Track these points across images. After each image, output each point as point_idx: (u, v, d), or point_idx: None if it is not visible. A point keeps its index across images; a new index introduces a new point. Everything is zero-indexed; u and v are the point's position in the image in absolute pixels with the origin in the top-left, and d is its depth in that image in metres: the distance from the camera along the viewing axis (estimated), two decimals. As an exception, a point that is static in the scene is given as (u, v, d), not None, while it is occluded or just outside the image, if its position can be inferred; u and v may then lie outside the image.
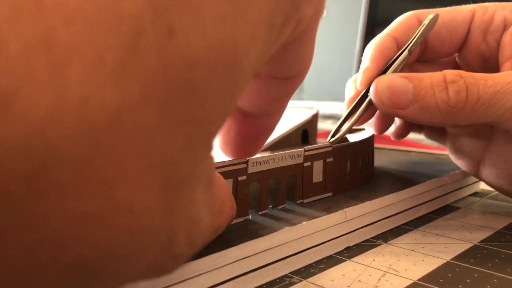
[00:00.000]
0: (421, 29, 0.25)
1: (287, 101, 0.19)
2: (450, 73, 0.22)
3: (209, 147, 0.12)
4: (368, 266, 0.22)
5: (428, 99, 0.22)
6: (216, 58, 0.10)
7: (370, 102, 0.25)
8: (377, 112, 0.28)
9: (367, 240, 0.26)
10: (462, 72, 0.23)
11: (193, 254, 0.13)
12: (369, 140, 0.31)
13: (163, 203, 0.10)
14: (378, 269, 0.22)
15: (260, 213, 0.23)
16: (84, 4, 0.08)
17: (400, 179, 0.31)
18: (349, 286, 0.20)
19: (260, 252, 0.20)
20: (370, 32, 0.78)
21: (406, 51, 0.25)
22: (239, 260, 0.19)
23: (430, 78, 0.22)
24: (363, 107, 0.25)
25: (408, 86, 0.23)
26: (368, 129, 0.33)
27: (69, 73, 0.08)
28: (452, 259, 0.23)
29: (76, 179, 0.09)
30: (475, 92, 0.22)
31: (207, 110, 0.11)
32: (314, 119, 0.44)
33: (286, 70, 0.17)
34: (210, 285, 0.18)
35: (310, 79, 0.19)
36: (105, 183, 0.09)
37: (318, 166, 0.26)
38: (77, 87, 0.08)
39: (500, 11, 0.26)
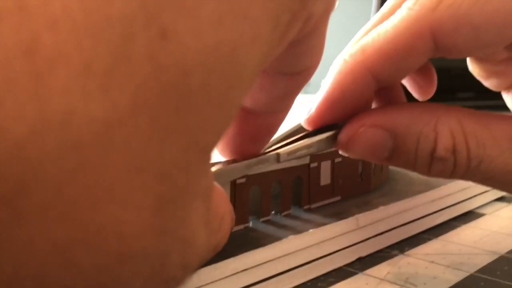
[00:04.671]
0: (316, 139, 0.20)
1: (293, 99, 0.19)
2: (442, 146, 0.19)
3: (207, 159, 0.12)
4: (382, 279, 0.22)
5: (405, 164, 0.20)
6: (213, 62, 0.10)
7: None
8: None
9: (381, 250, 0.25)
10: (459, 143, 0.19)
11: (188, 276, 0.13)
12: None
13: (155, 223, 0.10)
14: (394, 283, 0.22)
15: (261, 220, 0.23)
16: (71, 6, 0.08)
17: (418, 182, 0.31)
18: (361, 302, 0.20)
19: (261, 263, 0.20)
20: (383, 19, 0.78)
21: (274, 153, 0.19)
22: (238, 272, 0.19)
23: (417, 142, 0.19)
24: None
25: (387, 144, 0.20)
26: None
27: (53, 84, 0.08)
28: (476, 272, 0.23)
29: (59, 200, 0.09)
30: (460, 172, 0.20)
31: (204, 119, 0.11)
32: (321, 115, 0.44)
33: (293, 66, 0.17)
34: (205, 300, 0.18)
35: (316, 71, 0.18)
36: (92, 204, 0.09)
37: (326, 167, 0.26)
38: (61, 99, 0.08)
39: None
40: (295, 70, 0.17)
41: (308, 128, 0.21)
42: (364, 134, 0.20)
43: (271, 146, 0.21)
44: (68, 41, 0.08)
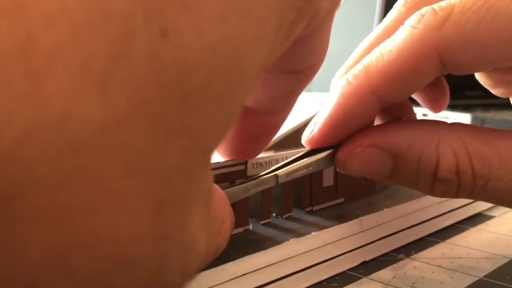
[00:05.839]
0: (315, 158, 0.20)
1: (296, 98, 0.19)
2: (445, 167, 0.19)
3: (207, 161, 0.12)
4: (387, 284, 0.22)
5: (406, 183, 0.20)
6: (215, 60, 0.10)
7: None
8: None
9: (386, 254, 0.25)
10: (462, 163, 0.19)
11: (187, 281, 0.13)
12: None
13: (154, 229, 0.10)
14: (399, 288, 0.21)
15: (261, 222, 0.23)
16: (68, 2, 0.08)
17: (424, 183, 0.31)
18: (365, 308, 0.20)
19: (262, 267, 0.20)
20: (388, 15, 0.79)
21: (272, 175, 0.20)
22: (237, 277, 0.19)
23: (418, 162, 0.19)
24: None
25: (386, 163, 0.20)
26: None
27: (49, 84, 0.08)
28: (485, 277, 0.23)
29: (55, 205, 0.09)
30: (465, 192, 0.20)
31: (205, 121, 0.11)
32: (324, 114, 0.44)
33: (296, 64, 0.17)
34: (204, 306, 0.18)
35: (320, 69, 0.18)
36: (88, 209, 0.09)
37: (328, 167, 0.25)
38: (57, 99, 0.08)
39: None
40: (298, 69, 0.17)
41: (308, 147, 0.21)
42: (361, 154, 0.20)
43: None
44: (65, 39, 0.08)
